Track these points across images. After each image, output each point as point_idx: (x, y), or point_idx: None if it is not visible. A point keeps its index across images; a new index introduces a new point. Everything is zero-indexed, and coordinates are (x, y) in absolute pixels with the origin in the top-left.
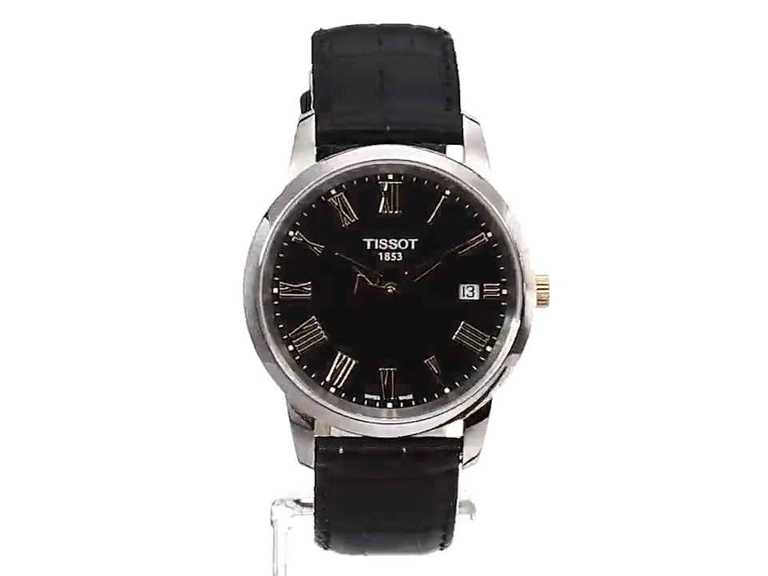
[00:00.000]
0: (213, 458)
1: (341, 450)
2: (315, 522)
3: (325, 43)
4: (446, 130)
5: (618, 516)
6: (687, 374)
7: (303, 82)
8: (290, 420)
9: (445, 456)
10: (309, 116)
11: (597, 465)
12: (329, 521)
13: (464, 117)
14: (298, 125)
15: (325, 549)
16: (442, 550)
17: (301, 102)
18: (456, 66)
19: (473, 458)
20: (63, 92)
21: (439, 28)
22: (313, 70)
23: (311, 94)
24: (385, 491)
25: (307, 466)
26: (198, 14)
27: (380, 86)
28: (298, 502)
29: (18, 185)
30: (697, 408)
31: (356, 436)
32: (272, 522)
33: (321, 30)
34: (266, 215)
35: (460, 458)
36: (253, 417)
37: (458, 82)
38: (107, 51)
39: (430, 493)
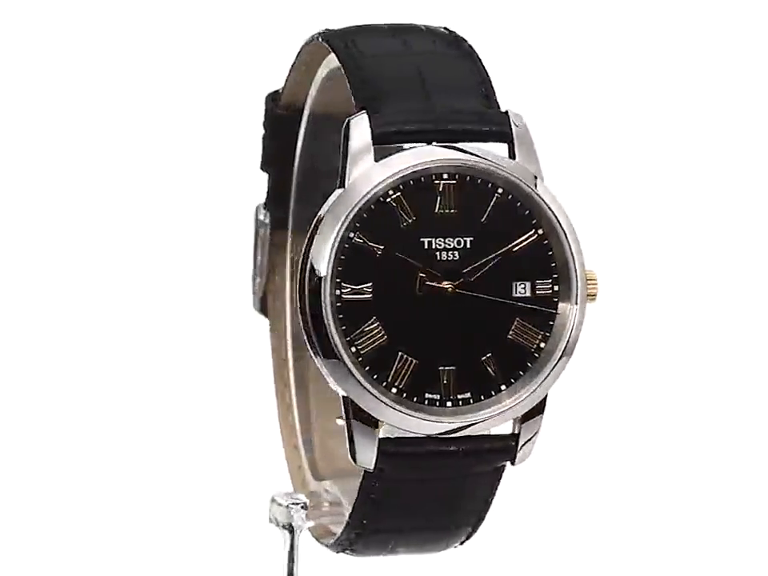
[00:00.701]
0: (212, 457)
1: (403, 451)
2: (349, 523)
3: (346, 42)
4: (495, 128)
5: (623, 519)
6: (715, 374)
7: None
8: (354, 421)
9: (498, 454)
10: (359, 116)
11: (596, 465)
12: (366, 522)
13: (509, 114)
14: (347, 125)
15: (341, 551)
16: (456, 547)
17: (268, 100)
18: (483, 64)
19: (525, 455)
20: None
21: (445, 28)
22: (346, 70)
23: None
24: (433, 490)
25: (364, 468)
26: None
27: (422, 85)
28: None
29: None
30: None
31: (417, 436)
32: (282, 524)
33: (326, 30)
34: (323, 217)
35: (513, 455)
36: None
37: (490, 79)
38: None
39: (474, 491)
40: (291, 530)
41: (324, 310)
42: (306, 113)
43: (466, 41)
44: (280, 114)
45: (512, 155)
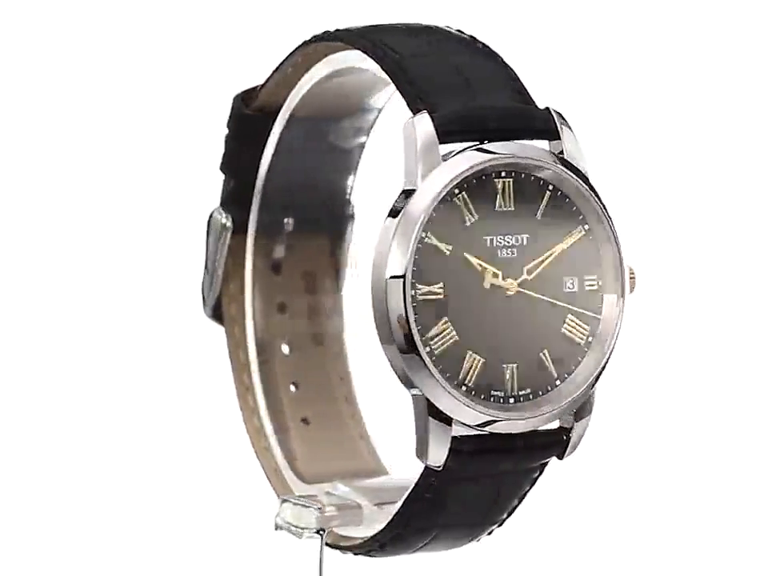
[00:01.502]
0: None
1: (471, 449)
2: (392, 523)
3: (374, 42)
4: (543, 125)
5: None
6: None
7: None
8: (431, 420)
9: (550, 450)
10: (421, 116)
11: (598, 466)
12: (412, 521)
13: (551, 110)
14: (409, 124)
15: (363, 554)
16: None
17: (237, 100)
18: (505, 62)
19: (572, 450)
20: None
21: (456, 29)
22: (388, 70)
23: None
24: (483, 487)
25: (433, 467)
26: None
27: (466, 84)
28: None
29: None
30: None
31: (483, 433)
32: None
33: (336, 30)
34: (394, 216)
35: (563, 450)
36: None
37: (518, 76)
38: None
39: (518, 487)
40: (322, 533)
41: (406, 309)
42: (285, 116)
43: (478, 40)
44: (249, 115)
45: (560, 151)
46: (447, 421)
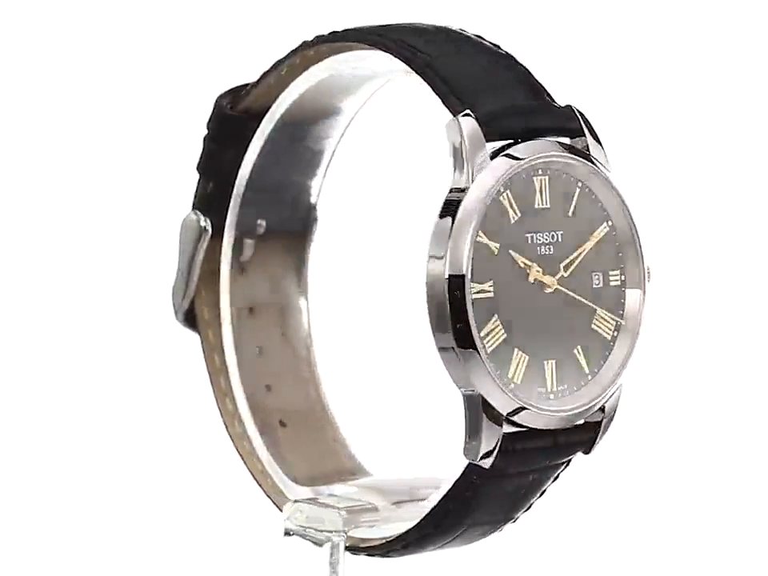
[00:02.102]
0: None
1: (517, 446)
2: (424, 521)
3: (395, 41)
4: (570, 123)
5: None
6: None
7: None
8: (485, 419)
9: (580, 445)
10: (464, 115)
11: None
12: (447, 519)
13: (573, 108)
14: (454, 124)
15: (384, 555)
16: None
17: (221, 101)
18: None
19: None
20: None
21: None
22: (416, 69)
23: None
24: (517, 484)
25: (479, 466)
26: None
27: (496, 84)
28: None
29: None
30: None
31: (526, 430)
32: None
33: (346, 30)
34: (448, 215)
35: (591, 445)
36: None
37: (533, 74)
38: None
39: (544, 483)
40: (344, 534)
41: (466, 309)
42: (273, 118)
43: (486, 39)
44: (234, 116)
45: (585, 147)
46: (498, 419)
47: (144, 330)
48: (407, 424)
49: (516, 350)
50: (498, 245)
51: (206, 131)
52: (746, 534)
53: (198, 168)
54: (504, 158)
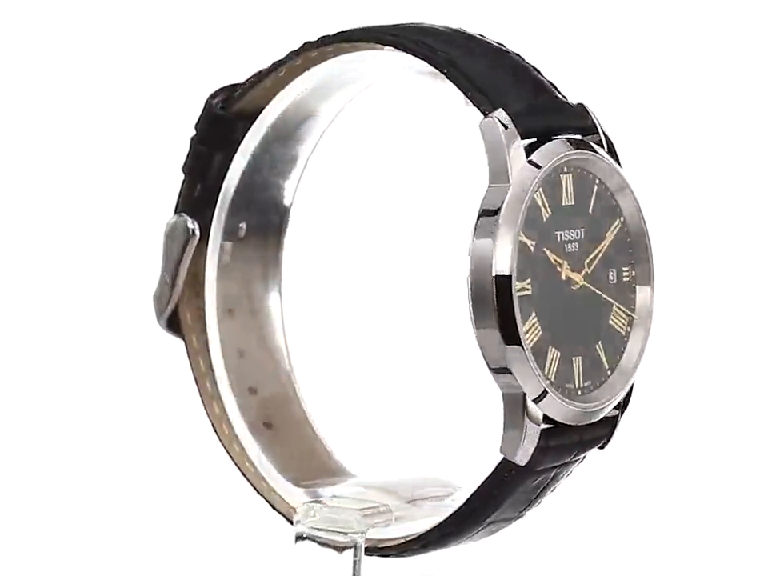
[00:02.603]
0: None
1: (553, 443)
2: (447, 521)
3: (415, 41)
4: (588, 121)
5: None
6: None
7: None
8: (525, 417)
9: (599, 439)
10: (498, 114)
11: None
12: (468, 517)
13: (585, 106)
14: (491, 123)
15: (399, 555)
16: None
17: (212, 101)
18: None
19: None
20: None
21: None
22: (439, 67)
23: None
24: (539, 481)
25: (514, 463)
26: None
27: (520, 83)
28: None
29: None
30: None
31: (559, 426)
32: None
33: (355, 29)
34: (491, 214)
35: (608, 440)
36: None
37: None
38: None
39: (559, 478)
40: (364, 535)
41: (513, 307)
42: (268, 119)
43: (491, 39)
44: (225, 118)
45: (598, 142)
46: (537, 416)
47: (127, 337)
48: (388, 424)
49: (550, 346)
50: (534, 243)
51: (193, 132)
52: (748, 533)
53: (185, 169)
54: (538, 155)
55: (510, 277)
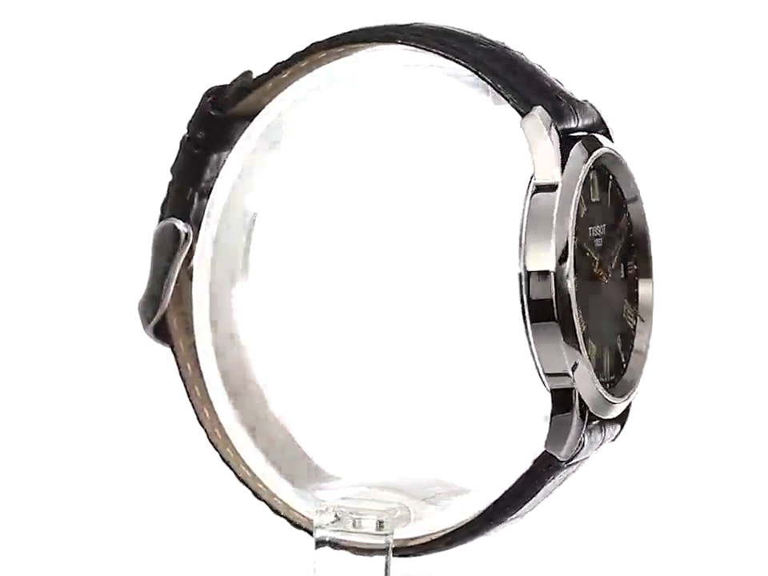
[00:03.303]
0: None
1: (590, 439)
2: (476, 519)
3: (439, 41)
4: (595, 118)
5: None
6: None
7: None
8: (574, 412)
9: (614, 432)
10: (540, 113)
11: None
12: (496, 515)
13: (592, 104)
14: (534, 121)
15: (418, 555)
16: None
17: (208, 101)
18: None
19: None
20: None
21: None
22: (466, 65)
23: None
24: (564, 475)
25: (562, 460)
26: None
27: (542, 83)
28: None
29: None
30: None
31: (596, 422)
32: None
33: (361, 29)
34: (544, 212)
35: (618, 434)
36: None
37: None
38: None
39: (570, 474)
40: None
41: (571, 301)
42: (266, 120)
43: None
44: (221, 119)
45: (610, 139)
46: (584, 411)
47: (116, 345)
48: (373, 424)
49: (589, 340)
50: (576, 239)
51: (183, 133)
52: (748, 533)
53: (174, 172)
54: (578, 151)
55: (567, 275)
